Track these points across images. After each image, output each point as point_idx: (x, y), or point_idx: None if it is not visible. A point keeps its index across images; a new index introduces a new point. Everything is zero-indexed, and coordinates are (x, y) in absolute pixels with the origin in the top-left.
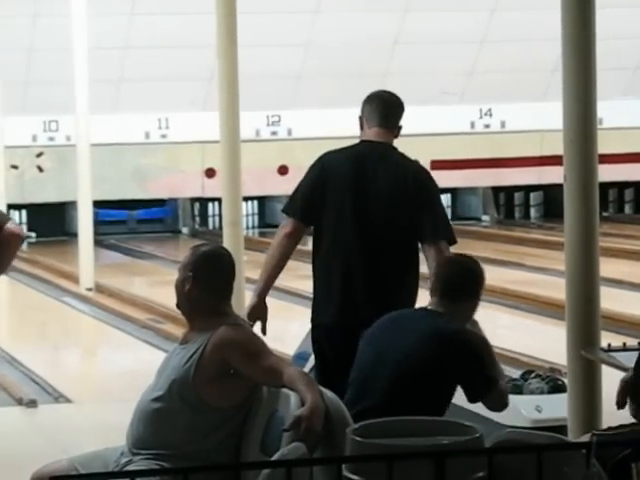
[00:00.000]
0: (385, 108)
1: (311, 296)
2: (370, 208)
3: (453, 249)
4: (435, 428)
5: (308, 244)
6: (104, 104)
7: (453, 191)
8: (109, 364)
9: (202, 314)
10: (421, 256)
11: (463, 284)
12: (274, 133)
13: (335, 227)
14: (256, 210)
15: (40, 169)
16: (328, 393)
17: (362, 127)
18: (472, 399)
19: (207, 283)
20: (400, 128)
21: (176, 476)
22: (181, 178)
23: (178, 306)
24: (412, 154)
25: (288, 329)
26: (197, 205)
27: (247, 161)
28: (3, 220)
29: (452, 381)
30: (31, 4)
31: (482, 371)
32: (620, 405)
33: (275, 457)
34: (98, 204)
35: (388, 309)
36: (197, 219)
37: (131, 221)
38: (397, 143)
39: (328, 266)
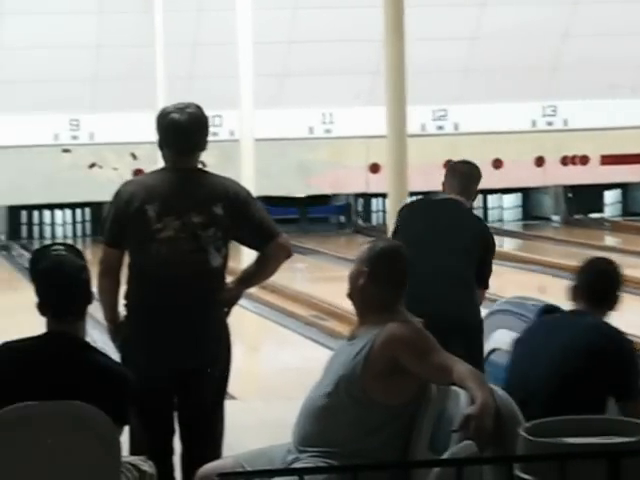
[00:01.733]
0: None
1: None
2: None
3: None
4: (605, 427)
5: None
6: (268, 99)
7: (623, 187)
8: (273, 361)
9: (373, 310)
10: None
11: (607, 290)
12: (440, 128)
13: None
14: None
15: (203, 164)
16: (499, 391)
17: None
18: (624, 398)
19: (382, 280)
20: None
21: (344, 474)
22: (345, 173)
23: (350, 297)
24: (582, 149)
25: None
26: (361, 201)
27: (412, 156)
28: (274, 233)
29: (611, 379)
30: (196, 0)
31: (636, 375)
32: None
33: (445, 456)
34: (264, 200)
35: None
36: (361, 215)
37: (303, 220)
38: (567, 138)
39: None
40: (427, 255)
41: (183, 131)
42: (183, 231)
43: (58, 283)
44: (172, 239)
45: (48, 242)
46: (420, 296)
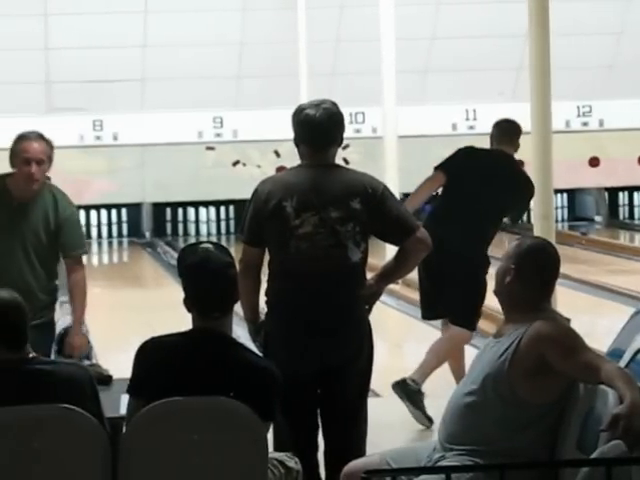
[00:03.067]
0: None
1: (622, 291)
2: None
3: None
4: None
5: None
6: (410, 95)
7: None
8: (416, 358)
9: (520, 307)
10: None
11: None
12: (585, 124)
13: None
14: (565, 203)
15: (346, 161)
16: None
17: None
18: None
19: (529, 278)
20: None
21: (491, 473)
22: None
23: (496, 293)
24: None
25: (598, 325)
26: None
27: (557, 153)
28: (413, 227)
29: None
30: None
31: None
32: None
33: (594, 455)
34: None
35: None
36: None
37: None
38: None
39: None
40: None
41: (318, 127)
42: (322, 226)
43: (205, 280)
44: (311, 235)
45: (192, 240)
46: None
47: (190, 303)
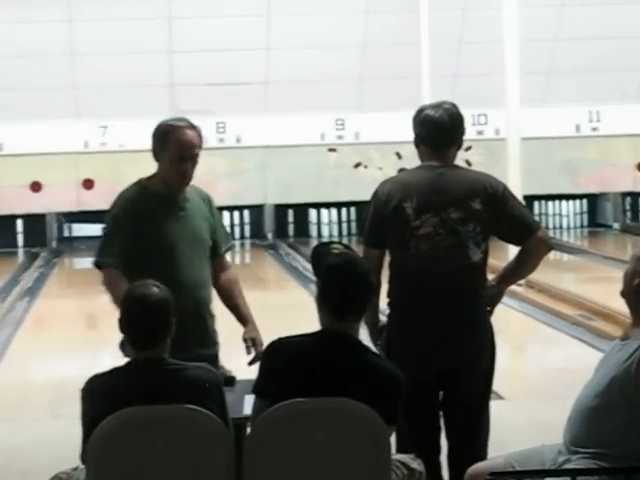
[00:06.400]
0: None
1: None
2: None
3: None
4: None
5: None
6: (533, 97)
7: None
8: (540, 361)
9: None
10: None
11: None
12: None
13: None
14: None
15: (468, 163)
16: None
17: None
18: None
19: None
20: None
21: (616, 476)
22: (613, 172)
23: (623, 295)
24: None
25: None
26: (628, 199)
27: None
28: (534, 227)
29: None
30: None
31: None
32: None
33: None
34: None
35: None
36: (628, 214)
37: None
38: None
39: None
40: None
41: (439, 127)
42: (442, 227)
43: (349, 283)
44: (431, 235)
45: (314, 242)
46: None
47: (324, 303)
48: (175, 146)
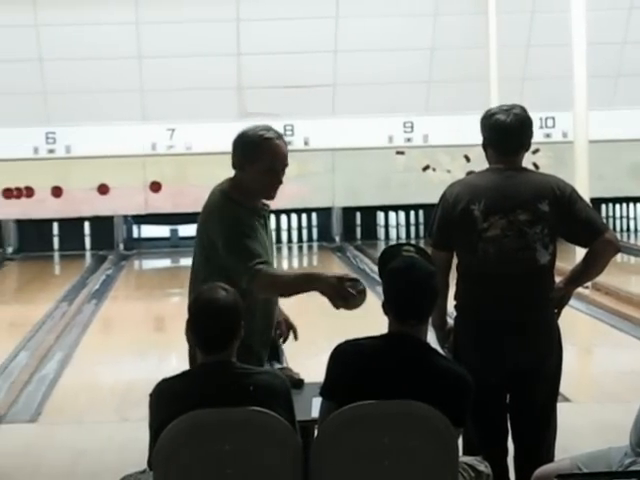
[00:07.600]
0: None
1: None
2: None
3: None
4: None
5: None
6: (601, 99)
7: None
8: (607, 364)
9: None
10: None
11: None
12: None
13: None
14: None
15: (535, 166)
16: None
17: None
18: None
19: None
20: None
21: None
22: None
23: None
24: None
25: None
26: None
27: None
28: (602, 229)
29: None
30: (530, 1)
31: None
32: None
33: None
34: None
35: None
36: None
37: None
38: None
39: None
40: None
41: (508, 131)
42: (509, 229)
43: (407, 287)
44: (498, 238)
45: (382, 245)
46: None
47: (388, 307)
48: (270, 158)
